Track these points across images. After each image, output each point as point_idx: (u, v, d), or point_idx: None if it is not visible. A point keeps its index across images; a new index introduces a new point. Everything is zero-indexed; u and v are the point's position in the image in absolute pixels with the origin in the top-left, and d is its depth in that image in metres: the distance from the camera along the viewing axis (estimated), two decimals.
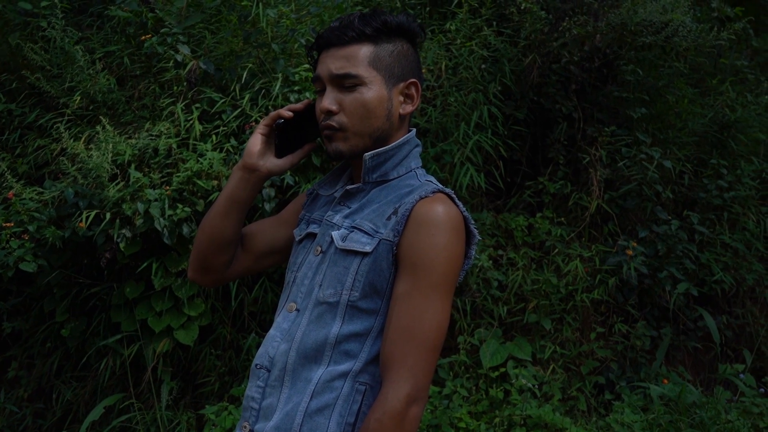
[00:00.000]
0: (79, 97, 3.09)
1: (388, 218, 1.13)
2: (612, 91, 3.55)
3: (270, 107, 3.03)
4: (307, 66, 3.09)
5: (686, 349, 3.60)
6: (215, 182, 2.92)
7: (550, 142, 3.70)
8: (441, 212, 1.09)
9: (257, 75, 3.20)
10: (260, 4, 3.03)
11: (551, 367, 3.08)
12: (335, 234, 1.16)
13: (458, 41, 3.57)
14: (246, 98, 3.06)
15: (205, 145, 2.86)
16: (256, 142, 1.26)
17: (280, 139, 1.26)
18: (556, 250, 3.29)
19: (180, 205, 2.81)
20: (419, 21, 1.26)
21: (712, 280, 3.51)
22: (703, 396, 3.08)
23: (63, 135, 2.87)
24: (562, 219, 3.45)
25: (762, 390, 3.36)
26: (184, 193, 2.90)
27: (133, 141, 2.93)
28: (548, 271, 3.22)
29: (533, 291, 3.17)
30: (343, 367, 1.09)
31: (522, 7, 3.74)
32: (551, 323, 3.17)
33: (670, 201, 3.59)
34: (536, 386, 2.90)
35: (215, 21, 3.55)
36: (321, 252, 1.18)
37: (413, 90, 1.21)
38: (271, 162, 1.26)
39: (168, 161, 2.98)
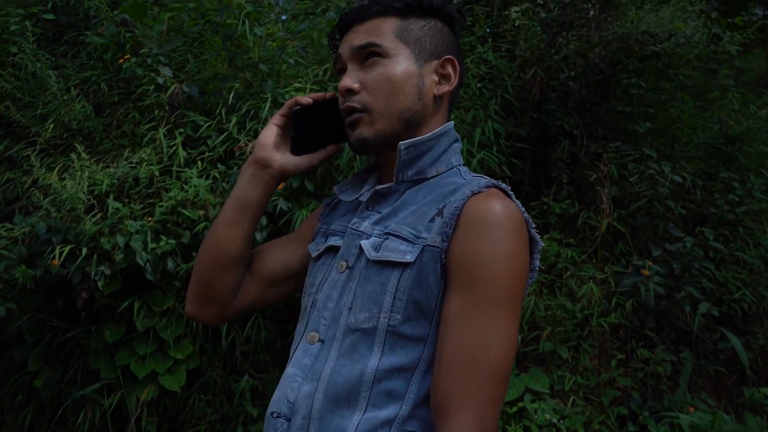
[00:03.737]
0: (52, 125, 2.87)
1: (432, 220, 0.92)
2: (614, 106, 3.41)
3: (259, 129, 2.83)
4: (298, 85, 2.90)
5: (707, 373, 3.39)
6: (202, 212, 2.70)
7: (553, 161, 3.53)
8: (499, 210, 0.88)
9: (244, 97, 3.01)
10: (246, 22, 2.85)
11: (571, 399, 2.85)
12: (365, 243, 0.94)
13: None
14: (233, 121, 2.86)
15: (190, 171, 2.64)
16: (269, 133, 1.06)
17: (297, 131, 1.05)
18: (569, 273, 3.09)
19: (164, 237, 2.57)
20: (460, 7, 1.08)
21: (731, 299, 3.32)
22: (737, 424, 2.86)
23: (35, 165, 2.63)
24: (571, 240, 3.26)
25: None
26: (168, 225, 2.67)
27: (112, 170, 2.70)
28: (561, 296, 3.01)
29: (546, 317, 2.96)
30: (386, 412, 0.86)
31: (516, 24, 3.62)
32: (568, 351, 2.95)
33: (681, 217, 3.42)
34: (560, 421, 2.66)
35: (197, 44, 3.37)
36: (347, 267, 0.96)
37: (450, 68, 1.02)
38: (286, 158, 1.05)
39: (150, 190, 2.75)
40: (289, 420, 0.90)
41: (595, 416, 2.88)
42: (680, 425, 2.86)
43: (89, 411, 2.73)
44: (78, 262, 2.44)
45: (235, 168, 2.79)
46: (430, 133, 0.99)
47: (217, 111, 2.95)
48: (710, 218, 3.49)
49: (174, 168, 2.77)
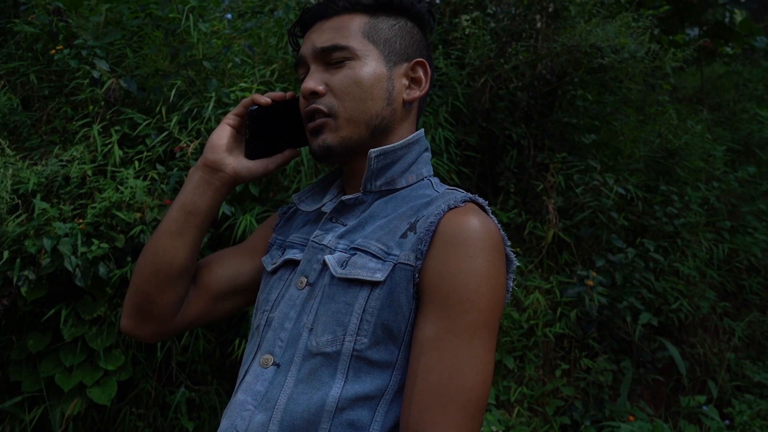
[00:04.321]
0: None
1: (404, 236, 0.85)
2: (561, 117, 3.45)
3: (203, 129, 2.70)
4: (243, 85, 2.79)
5: (645, 381, 3.46)
6: (138, 215, 2.55)
7: (500, 170, 3.54)
8: (477, 227, 0.82)
9: (186, 95, 2.87)
10: (191, 17, 2.73)
11: (516, 410, 2.84)
12: (330, 259, 0.86)
13: None
14: (174, 120, 2.72)
15: (126, 172, 2.49)
16: (222, 134, 0.97)
17: (252, 133, 0.96)
18: (515, 282, 3.08)
19: (96, 241, 2.41)
20: (430, 7, 1.01)
21: (669, 309, 3.40)
22: (673, 431, 2.92)
23: None
24: (518, 249, 3.26)
25: (727, 422, 3.24)
26: (101, 227, 2.51)
27: (39, 168, 2.52)
28: (508, 306, 3.00)
29: None
30: None
31: (466, 32, 3.62)
32: (514, 361, 2.94)
33: (623, 229, 3.49)
34: None
35: (137, 38, 3.21)
36: (307, 284, 0.88)
37: (420, 72, 0.95)
38: (239, 162, 0.96)
39: (81, 191, 2.58)
40: None
41: (539, 427, 2.87)
42: None
43: (7, 426, 2.53)
44: None
45: (175, 169, 2.65)
46: (401, 141, 0.93)
47: (157, 109, 2.81)
48: (650, 230, 3.57)
49: (109, 168, 2.61)
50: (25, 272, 2.35)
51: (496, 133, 3.51)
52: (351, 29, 0.91)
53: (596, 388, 3.19)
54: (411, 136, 0.95)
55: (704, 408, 3.27)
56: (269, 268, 0.96)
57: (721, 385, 3.53)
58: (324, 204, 0.95)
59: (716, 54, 5.45)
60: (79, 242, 2.36)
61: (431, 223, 0.83)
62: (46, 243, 2.27)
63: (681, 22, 5.02)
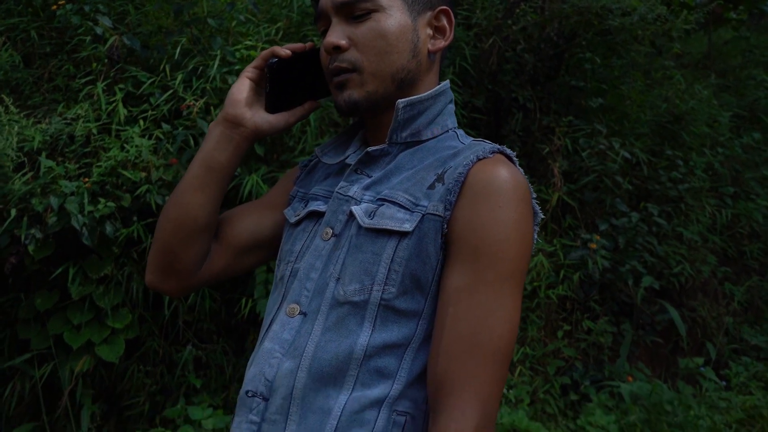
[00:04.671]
0: None
1: (431, 186, 0.83)
2: (568, 81, 3.42)
3: (208, 88, 2.67)
4: (249, 43, 2.75)
5: (644, 343, 3.51)
6: (144, 174, 2.54)
7: (506, 133, 3.52)
8: (507, 178, 0.80)
9: (191, 53, 2.83)
10: None
11: (518, 369, 2.89)
12: (357, 209, 0.85)
13: None
14: (178, 79, 2.69)
15: (132, 130, 2.47)
16: (241, 88, 0.94)
17: (273, 86, 0.94)
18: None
19: (102, 200, 2.40)
20: None
21: (671, 273, 3.43)
22: (672, 392, 2.97)
23: None
24: None
25: (724, 383, 3.30)
26: (107, 186, 2.50)
27: (44, 126, 2.50)
28: None
29: None
30: (377, 391, 0.79)
31: None
32: None
33: (627, 193, 3.49)
34: (508, 391, 2.69)
35: None
36: (333, 235, 0.87)
37: (444, 21, 0.92)
38: (260, 116, 0.94)
39: (86, 149, 2.56)
40: (266, 399, 0.82)
41: (540, 386, 2.92)
42: (620, 394, 2.95)
43: (17, 383, 2.56)
44: (6, 224, 2.25)
45: (181, 128, 2.63)
46: (428, 92, 0.91)
47: (161, 67, 2.77)
48: (654, 194, 3.58)
49: (113, 126, 2.59)
50: (32, 231, 2.35)
51: (502, 96, 3.48)
52: None
53: (596, 350, 3.23)
54: (437, 87, 0.93)
55: (702, 369, 3.33)
56: (292, 219, 0.96)
57: (719, 347, 3.59)
58: (347, 156, 0.94)
59: (723, 20, 5.37)
60: (85, 201, 2.36)
61: (460, 173, 0.82)
62: (54, 201, 2.26)
63: None
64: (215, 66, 2.68)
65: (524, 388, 2.84)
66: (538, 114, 3.50)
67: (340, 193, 0.89)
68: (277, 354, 0.83)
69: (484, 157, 0.83)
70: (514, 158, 0.87)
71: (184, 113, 2.49)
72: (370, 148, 0.90)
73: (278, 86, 0.94)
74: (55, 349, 2.56)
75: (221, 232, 0.98)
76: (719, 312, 3.73)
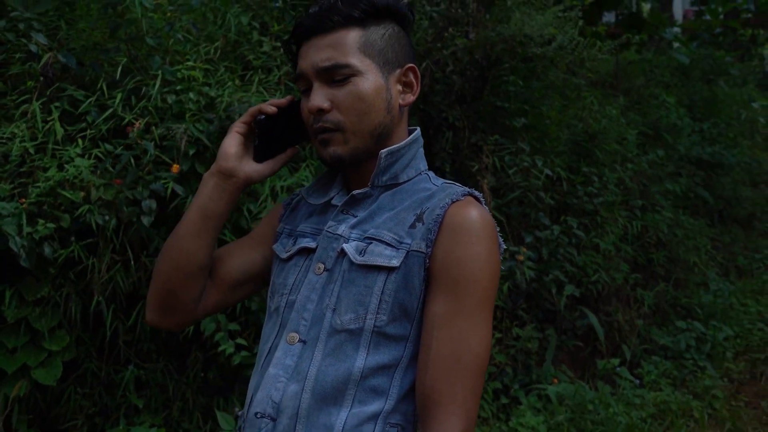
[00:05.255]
0: None
1: (412, 226, 0.96)
2: (493, 101, 3.64)
3: (149, 108, 2.68)
4: (190, 63, 2.78)
5: (567, 347, 3.76)
6: (83, 193, 2.51)
7: (436, 150, 3.70)
8: (478, 217, 0.95)
9: (129, 71, 2.82)
10: None
11: None
12: (348, 247, 0.96)
13: None
14: (118, 98, 2.68)
15: (73, 149, 2.45)
16: (232, 142, 1.04)
17: (261, 139, 1.04)
18: None
19: (41, 221, 2.36)
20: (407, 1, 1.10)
21: (589, 281, 3.70)
22: (594, 392, 3.22)
23: None
24: None
25: (638, 381, 3.60)
26: (44, 207, 2.46)
27: None
28: None
29: None
30: (373, 407, 0.91)
31: None
32: None
33: (549, 207, 3.75)
34: None
35: (69, 10, 3.09)
36: (325, 270, 0.98)
37: (412, 76, 1.05)
38: (251, 166, 1.05)
39: (21, 169, 2.51)
40: (274, 420, 0.92)
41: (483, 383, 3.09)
42: (547, 395, 3.16)
43: None
44: None
45: (120, 148, 2.62)
46: (405, 141, 1.03)
47: (98, 85, 2.75)
48: (573, 208, 3.86)
49: (50, 145, 2.55)
50: None
51: (432, 115, 3.66)
52: (348, 46, 0.98)
53: (524, 355, 3.45)
54: (412, 136, 1.06)
55: (618, 369, 3.61)
56: (283, 255, 1.05)
57: (633, 348, 3.90)
58: (332, 197, 1.05)
59: (628, 43, 5.83)
60: (23, 222, 2.31)
61: (438, 215, 0.95)
62: None
63: (600, 9, 5.33)
64: (156, 87, 2.69)
65: None
66: (466, 132, 3.69)
67: (330, 232, 0.99)
68: (282, 379, 0.93)
69: (458, 200, 0.96)
70: (482, 198, 1.01)
71: (131, 135, 2.49)
72: (354, 192, 1.01)
73: (265, 138, 1.04)
74: None
75: (215, 270, 1.07)
76: (632, 315, 4.06)
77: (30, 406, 2.64)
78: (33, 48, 2.57)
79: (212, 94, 2.82)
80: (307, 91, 1.01)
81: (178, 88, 2.76)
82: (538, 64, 3.37)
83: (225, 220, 1.06)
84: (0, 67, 2.80)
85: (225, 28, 3.30)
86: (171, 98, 2.78)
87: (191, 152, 2.70)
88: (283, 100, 1.07)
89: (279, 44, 3.45)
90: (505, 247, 1.04)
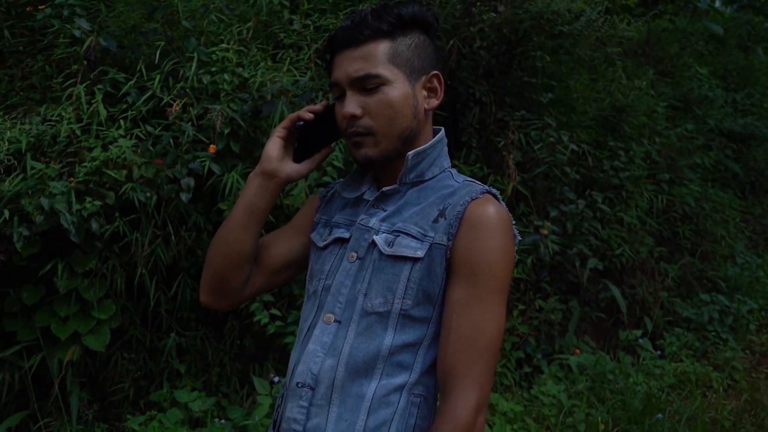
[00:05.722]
0: None
1: (435, 220, 1.06)
2: (521, 77, 3.67)
3: (186, 90, 2.80)
4: (224, 46, 2.88)
5: (590, 319, 3.85)
6: (125, 171, 2.66)
7: (463, 126, 3.76)
8: (494, 214, 1.05)
9: (166, 53, 2.93)
10: None
11: None
12: (378, 239, 1.08)
13: None
14: (156, 80, 2.80)
15: (117, 132, 2.58)
16: (274, 146, 1.16)
17: (300, 142, 1.15)
18: None
19: (88, 198, 2.52)
20: (431, 10, 1.19)
21: (613, 254, 3.76)
22: (614, 362, 3.31)
23: None
24: None
25: (659, 353, 3.68)
26: (90, 185, 2.61)
27: (26, 127, 2.58)
28: None
29: None
30: (399, 379, 1.03)
31: None
32: None
33: (574, 182, 3.79)
34: None
35: None
36: (357, 258, 1.09)
37: (435, 82, 1.14)
38: (290, 167, 1.17)
39: (69, 149, 2.66)
40: (313, 389, 1.05)
41: (498, 360, 3.21)
42: (569, 365, 3.27)
43: (7, 374, 2.67)
44: None
45: (158, 129, 2.75)
46: (430, 142, 1.13)
47: (138, 67, 2.87)
48: (598, 182, 3.89)
49: (94, 126, 2.69)
50: (20, 229, 2.45)
51: (459, 91, 3.71)
52: (378, 57, 1.07)
53: (548, 326, 3.55)
54: (437, 137, 1.16)
55: (640, 341, 3.69)
56: (320, 244, 1.17)
57: (655, 320, 3.97)
58: (363, 192, 1.16)
59: (661, 12, 5.73)
60: (72, 200, 2.47)
61: (458, 212, 1.05)
62: (44, 202, 2.37)
63: None
64: (192, 68, 2.80)
65: None
66: (493, 108, 3.74)
67: (362, 224, 1.11)
68: (320, 354, 1.06)
69: (477, 197, 1.06)
70: (499, 196, 1.10)
71: (170, 118, 2.62)
72: (384, 188, 1.12)
73: (303, 141, 1.15)
74: (43, 341, 2.68)
75: (260, 257, 1.20)
76: (656, 288, 4.11)
77: (81, 370, 2.84)
78: (77, 33, 2.69)
79: (245, 74, 2.92)
80: (341, 97, 1.10)
81: (213, 69, 2.87)
82: (565, 40, 3.38)
83: (268, 213, 1.18)
84: (46, 50, 2.94)
85: (257, 7, 3.38)
86: (206, 78, 2.89)
87: (226, 131, 2.82)
88: (318, 106, 1.17)
89: (309, 22, 3.53)
90: (519, 238, 1.14)
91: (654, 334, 3.96)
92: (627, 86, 4.26)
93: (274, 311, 2.89)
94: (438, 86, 1.15)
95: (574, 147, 3.61)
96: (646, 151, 4.15)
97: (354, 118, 1.08)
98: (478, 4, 3.57)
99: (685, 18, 6.41)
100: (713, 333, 3.88)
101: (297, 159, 1.18)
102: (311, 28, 3.49)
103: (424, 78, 1.12)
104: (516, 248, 1.10)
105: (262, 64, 3.06)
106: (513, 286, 3.46)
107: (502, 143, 3.52)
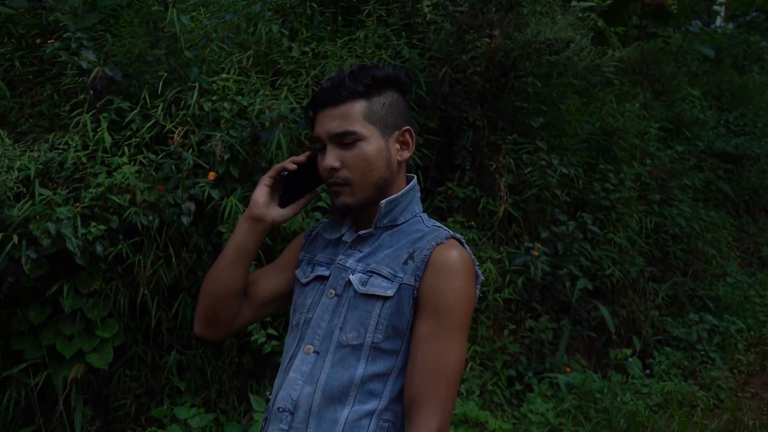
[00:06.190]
0: None
1: (405, 263, 1.18)
2: (513, 101, 3.78)
3: (188, 118, 2.92)
4: (225, 75, 3.01)
5: (581, 337, 3.93)
6: (129, 196, 2.78)
7: (457, 149, 3.87)
8: (457, 258, 1.16)
9: (168, 82, 3.07)
10: (174, 10, 2.90)
11: (469, 365, 3.25)
12: (354, 278, 1.19)
13: (369, 50, 3.63)
14: (159, 108, 2.93)
15: (121, 159, 2.71)
16: (261, 193, 1.28)
17: (284, 189, 1.27)
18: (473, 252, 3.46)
19: (93, 223, 2.64)
20: (405, 70, 1.31)
21: (603, 274, 3.85)
22: (602, 381, 3.39)
23: None
24: (473, 223, 3.63)
25: (647, 371, 3.76)
26: (95, 209, 2.73)
27: (35, 154, 2.71)
28: None
29: None
30: (369, 406, 1.14)
31: (427, 18, 3.88)
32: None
33: (565, 203, 3.89)
34: (460, 386, 3.05)
35: (114, 22, 3.35)
36: (335, 295, 1.21)
37: (407, 136, 1.26)
38: (276, 211, 1.29)
39: (75, 176, 2.78)
40: (292, 414, 1.16)
41: (489, 379, 3.30)
42: (558, 384, 3.35)
43: (14, 391, 2.78)
44: (7, 248, 2.46)
45: (160, 156, 2.87)
46: (402, 191, 1.25)
47: (142, 95, 3.00)
48: (589, 204, 4.00)
49: (99, 153, 2.81)
50: (28, 252, 2.57)
51: (453, 115, 3.82)
52: (354, 116, 1.19)
53: (539, 344, 3.64)
54: (408, 185, 1.27)
55: (629, 359, 3.77)
56: (303, 280, 1.29)
57: (647, 339, 4.05)
58: (343, 234, 1.28)
59: (655, 35, 5.85)
60: (78, 224, 2.59)
61: (425, 255, 1.17)
62: (51, 227, 2.49)
63: (625, 3, 5.37)
64: (194, 97, 2.93)
65: (474, 382, 3.21)
66: (486, 132, 3.85)
67: (340, 264, 1.22)
68: (299, 382, 1.17)
69: (442, 243, 1.17)
70: (462, 241, 1.22)
71: (172, 147, 2.74)
72: (361, 232, 1.24)
73: (288, 188, 1.27)
74: (48, 359, 2.79)
75: (249, 292, 1.32)
76: (647, 307, 4.19)
77: (85, 387, 2.95)
78: (84, 64, 2.82)
79: (244, 103, 3.05)
80: (323, 149, 1.23)
81: (214, 98, 3.00)
82: (554, 68, 3.50)
83: (256, 253, 1.30)
84: (54, 79, 3.08)
85: (257, 35, 3.51)
86: (207, 105, 3.02)
87: (226, 156, 2.95)
88: (301, 157, 1.29)
89: (308, 49, 3.66)
90: (482, 278, 1.25)
91: (645, 353, 4.04)
92: (618, 109, 4.37)
93: (270, 331, 3.00)
94: (409, 140, 1.26)
95: (564, 170, 3.72)
96: (637, 172, 4.25)
97: (333, 170, 1.20)
98: (471, 31, 3.70)
99: (678, 40, 6.53)
100: (702, 352, 3.96)
101: (282, 204, 1.30)
102: (310, 54, 3.63)
103: (396, 133, 1.24)
104: (478, 286, 1.21)
105: (261, 91, 3.19)
106: (504, 306, 3.56)
107: (494, 166, 3.63)
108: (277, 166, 1.29)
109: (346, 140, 1.19)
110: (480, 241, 3.57)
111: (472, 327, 3.40)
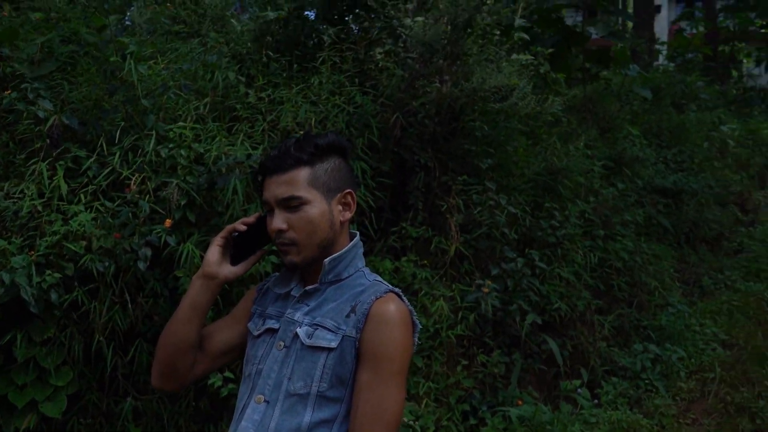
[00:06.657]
0: None
1: (348, 316, 1.28)
2: (463, 144, 3.96)
3: (144, 165, 2.98)
4: (182, 124, 3.09)
5: (533, 370, 4.07)
6: (84, 242, 2.81)
7: (410, 190, 4.01)
8: (394, 310, 1.27)
9: (126, 130, 3.13)
10: (131, 60, 2.99)
11: (424, 401, 3.34)
12: (300, 331, 1.29)
13: (323, 96, 3.76)
14: (117, 155, 2.98)
15: (77, 207, 2.75)
16: (214, 252, 1.38)
17: (236, 248, 1.36)
18: (423, 292, 3.58)
19: (48, 271, 2.66)
20: (346, 137, 1.44)
21: (552, 308, 4.01)
22: (551, 413, 3.52)
23: None
24: (425, 262, 3.75)
25: (596, 401, 3.90)
26: (51, 257, 2.75)
27: None
28: (417, 313, 3.48)
29: None
30: None
31: (380, 65, 4.05)
32: (422, 360, 3.44)
33: (514, 241, 4.06)
34: (414, 422, 3.13)
35: (71, 70, 3.40)
36: (284, 347, 1.30)
37: (349, 198, 1.38)
38: (228, 269, 1.39)
39: (30, 224, 2.80)
40: None
41: (443, 414, 3.39)
42: (510, 417, 3.46)
43: None
44: None
45: (117, 204, 2.91)
46: (345, 248, 1.36)
47: (98, 143, 3.05)
48: (536, 240, 4.17)
49: (55, 201, 2.84)
50: None
51: (405, 157, 3.97)
52: (299, 182, 1.30)
53: (491, 378, 3.75)
54: (351, 243, 1.39)
55: (578, 391, 3.91)
56: (255, 333, 1.38)
57: (595, 369, 4.21)
58: (291, 288, 1.38)
59: (597, 76, 6.19)
60: (33, 273, 2.61)
61: (365, 308, 1.28)
62: (5, 276, 2.50)
63: (569, 48, 5.69)
64: (151, 144, 3.00)
65: (430, 418, 3.29)
66: (437, 173, 4.01)
67: (289, 317, 1.33)
68: (251, 430, 1.26)
69: (381, 296, 1.28)
70: (401, 294, 1.33)
71: (129, 196, 2.79)
72: (307, 288, 1.34)
73: (239, 247, 1.37)
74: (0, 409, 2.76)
75: (203, 344, 1.40)
76: (594, 338, 4.36)
77: None
78: (41, 114, 2.87)
79: (201, 149, 3.13)
80: (271, 212, 1.34)
81: (171, 145, 3.07)
82: (500, 115, 3.70)
83: (209, 309, 1.39)
84: (10, 127, 3.10)
85: (214, 82, 3.61)
86: (164, 152, 3.08)
87: (183, 202, 3.01)
88: (251, 219, 1.39)
89: (264, 95, 3.77)
90: (420, 326, 1.37)
91: (594, 383, 4.20)
92: (563, 149, 4.60)
93: (228, 374, 3.03)
94: (351, 201, 1.38)
95: (512, 209, 3.89)
96: (581, 209, 4.47)
97: (281, 231, 1.31)
98: (421, 78, 3.88)
99: (619, 82, 6.92)
100: (646, 381, 4.14)
101: (234, 262, 1.40)
102: (266, 100, 3.74)
103: (339, 195, 1.36)
104: (416, 335, 1.32)
105: (218, 137, 3.27)
106: (457, 342, 3.67)
107: (445, 207, 3.77)
108: (228, 227, 1.39)
109: (292, 204, 1.30)
110: (433, 279, 3.69)
111: (426, 364, 3.49)
